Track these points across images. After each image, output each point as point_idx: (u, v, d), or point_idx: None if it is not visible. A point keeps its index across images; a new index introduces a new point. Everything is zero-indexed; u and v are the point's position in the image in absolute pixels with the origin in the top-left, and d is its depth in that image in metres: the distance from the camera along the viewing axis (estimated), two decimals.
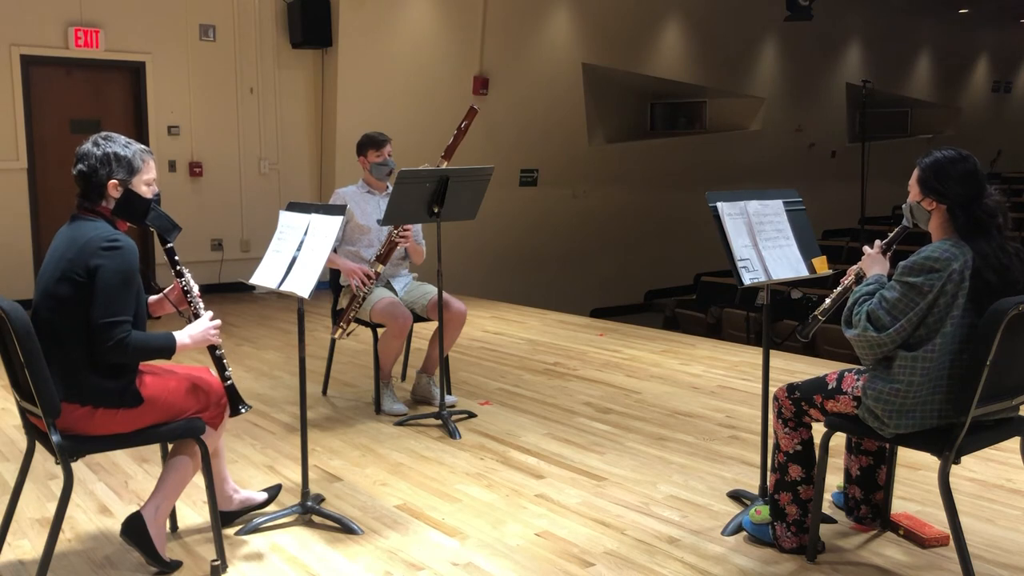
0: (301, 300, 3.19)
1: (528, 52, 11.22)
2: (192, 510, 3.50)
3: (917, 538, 3.15)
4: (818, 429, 2.99)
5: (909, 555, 3.08)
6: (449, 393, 4.95)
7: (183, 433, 2.96)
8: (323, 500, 3.60)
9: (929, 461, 3.56)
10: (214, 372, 3.12)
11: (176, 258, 3.04)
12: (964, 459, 2.89)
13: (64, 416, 2.75)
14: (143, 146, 2.99)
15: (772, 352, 3.96)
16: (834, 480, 3.48)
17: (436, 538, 3.26)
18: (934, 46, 17.22)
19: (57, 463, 2.75)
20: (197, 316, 3.03)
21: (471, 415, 4.77)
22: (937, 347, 2.71)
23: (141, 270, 2.88)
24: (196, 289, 3.08)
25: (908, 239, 3.27)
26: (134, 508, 3.27)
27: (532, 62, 11.26)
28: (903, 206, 2.99)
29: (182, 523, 3.38)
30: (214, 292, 9.17)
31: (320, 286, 3.38)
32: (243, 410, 3.05)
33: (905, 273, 2.74)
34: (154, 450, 3.93)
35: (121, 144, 2.93)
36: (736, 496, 3.59)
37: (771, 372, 3.46)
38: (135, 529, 2.94)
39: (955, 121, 17.83)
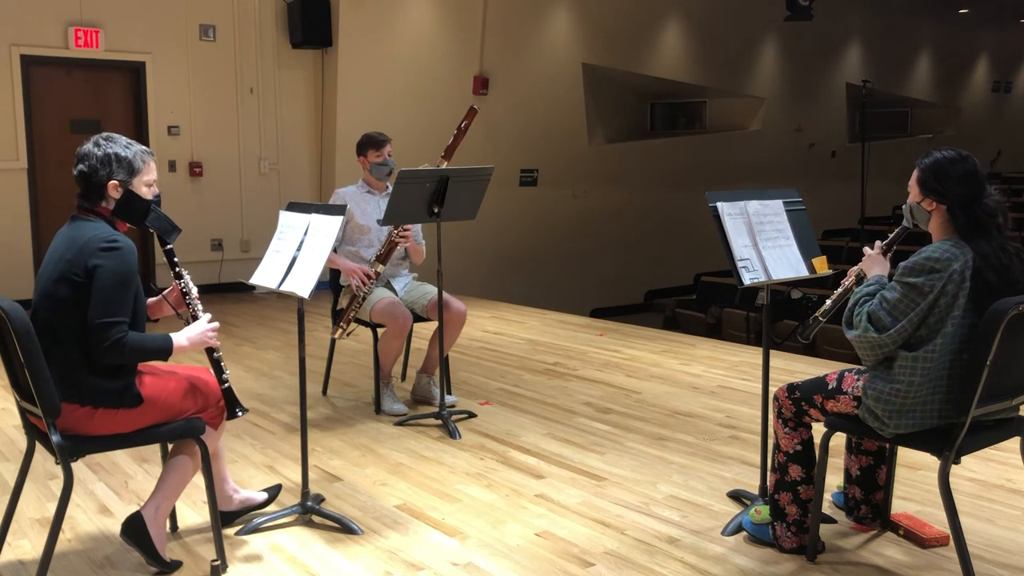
0: (301, 300, 3.19)
1: (528, 52, 11.22)
2: (192, 510, 3.51)
3: (917, 538, 3.15)
4: (818, 429, 2.99)
5: (909, 555, 3.08)
6: (449, 393, 4.95)
7: (183, 433, 2.96)
8: (323, 500, 3.60)
9: (929, 461, 3.56)
10: (224, 365, 3.11)
11: (175, 259, 3.04)
12: (964, 459, 2.89)
13: (64, 416, 2.76)
14: (144, 147, 2.99)
15: (772, 352, 3.96)
16: (834, 480, 3.48)
17: (436, 538, 3.26)
18: (934, 46, 17.23)
19: (57, 463, 2.75)
20: (195, 318, 3.03)
21: (471, 415, 4.77)
22: (938, 347, 2.71)
23: (140, 272, 2.88)
24: (195, 291, 3.08)
25: (908, 239, 3.27)
26: (134, 508, 3.27)
27: (532, 62, 11.26)
28: (903, 207, 2.99)
29: (182, 523, 3.38)
30: (214, 292, 9.17)
31: (320, 286, 3.38)
32: (240, 413, 3.04)
33: (906, 274, 2.74)
34: (154, 450, 3.93)
35: (122, 145, 2.93)
36: (736, 496, 3.59)
37: (771, 372, 3.46)
38: (135, 529, 2.94)
39: (955, 121, 17.83)
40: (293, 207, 3.43)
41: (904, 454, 3.48)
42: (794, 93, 14.68)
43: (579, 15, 11.61)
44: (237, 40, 9.44)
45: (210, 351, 3.01)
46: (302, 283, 3.16)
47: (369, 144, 4.92)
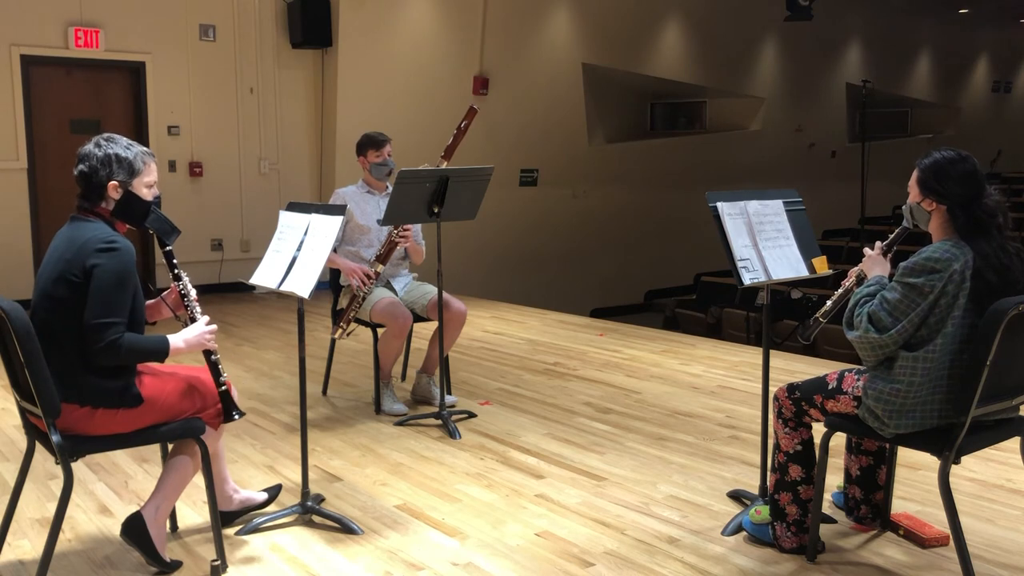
0: (301, 300, 3.19)
1: (528, 52, 11.22)
2: (192, 510, 3.51)
3: (917, 538, 3.15)
4: (818, 429, 2.99)
5: (909, 555, 3.08)
6: (449, 393, 4.95)
7: (183, 433, 2.96)
8: (323, 500, 3.60)
9: (929, 461, 3.56)
10: (222, 367, 3.11)
11: (174, 261, 3.04)
12: (964, 459, 2.89)
13: (64, 416, 2.76)
14: (145, 148, 2.99)
15: (772, 352, 3.96)
16: (834, 480, 3.48)
17: (436, 538, 3.26)
18: (934, 46, 17.23)
19: (57, 463, 2.75)
20: (193, 320, 3.02)
21: (471, 415, 4.77)
22: (938, 347, 2.71)
23: (139, 274, 2.88)
24: (193, 293, 3.07)
25: (909, 240, 3.27)
26: (134, 508, 3.27)
27: (532, 62, 11.26)
28: (903, 207, 2.99)
29: (182, 523, 3.38)
30: (214, 292, 9.17)
31: (320, 286, 3.38)
32: (236, 417, 3.02)
33: (906, 274, 2.74)
34: (154, 450, 3.93)
35: (123, 146, 2.93)
36: (736, 496, 3.59)
37: (771, 372, 3.46)
38: (135, 529, 2.94)
39: (955, 121, 17.83)
40: (293, 207, 3.43)
41: (904, 454, 3.48)
42: (794, 93, 14.69)
43: (579, 15, 11.61)
44: (237, 40, 9.44)
45: (208, 354, 3.00)
46: (302, 283, 3.16)
47: (369, 144, 4.92)
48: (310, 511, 3.37)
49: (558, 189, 11.85)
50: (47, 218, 8.49)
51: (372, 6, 9.82)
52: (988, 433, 2.86)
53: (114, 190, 2.89)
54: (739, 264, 3.15)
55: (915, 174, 2.88)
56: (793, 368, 5.67)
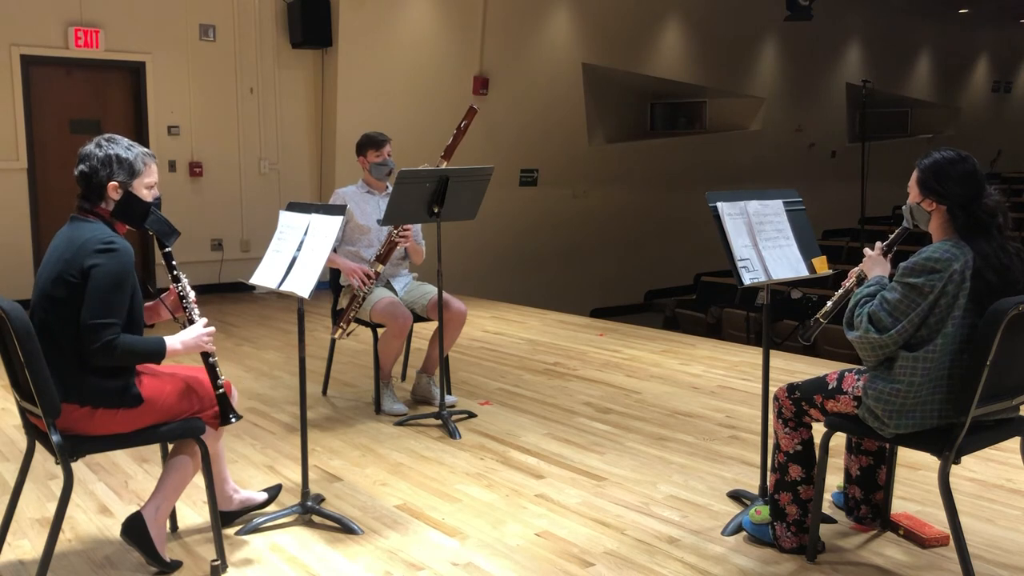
0: (301, 300, 3.19)
1: (528, 52, 11.22)
2: (192, 510, 3.51)
3: (917, 538, 3.15)
4: (818, 429, 2.99)
5: (909, 555, 3.08)
6: (449, 393, 4.95)
7: (183, 433, 2.96)
8: (323, 500, 3.60)
9: (929, 461, 3.56)
10: (219, 370, 3.11)
11: (173, 263, 3.04)
12: (964, 459, 2.89)
13: (64, 416, 2.75)
14: (146, 149, 2.99)
15: (772, 352, 3.96)
16: (834, 480, 3.48)
17: (436, 538, 3.26)
18: (934, 46, 17.23)
19: (57, 463, 2.75)
20: (191, 322, 3.02)
21: (471, 415, 4.77)
22: (938, 347, 2.71)
23: (139, 275, 2.88)
24: (192, 295, 3.06)
25: (909, 240, 3.27)
26: (134, 508, 3.27)
27: (532, 62, 11.26)
28: (903, 207, 2.99)
29: (182, 523, 3.38)
30: (214, 292, 9.17)
31: (320, 286, 3.38)
32: (233, 420, 3.00)
33: (906, 274, 2.74)
34: (154, 450, 3.93)
35: (124, 146, 2.93)
36: (736, 496, 3.59)
37: (771, 372, 3.46)
38: (135, 529, 2.94)
39: (955, 121, 17.83)
40: (293, 207, 3.43)
41: (904, 454, 3.48)
42: (794, 93, 14.69)
43: (579, 15, 11.61)
44: (237, 40, 9.44)
45: (205, 356, 2.98)
46: (302, 283, 3.16)
47: (369, 144, 4.92)
48: (310, 511, 3.37)
49: (558, 189, 11.85)
50: (47, 218, 8.49)
51: (372, 6, 9.82)
52: (988, 433, 2.86)
53: (114, 191, 2.89)
54: (739, 264, 3.15)
55: (915, 174, 2.88)
56: (793, 368, 5.67)
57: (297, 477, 3.75)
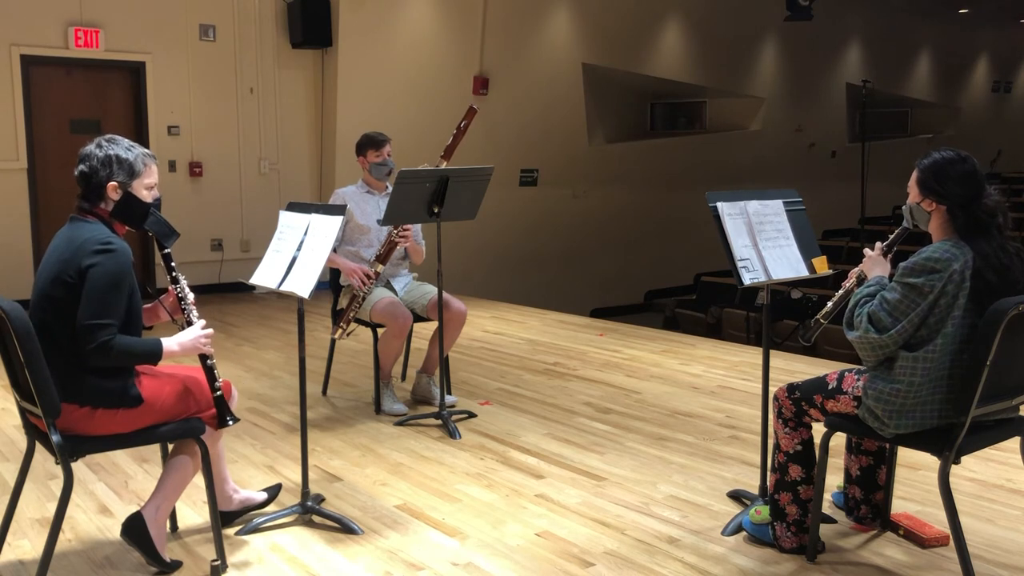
0: (301, 300, 3.19)
1: (528, 52, 11.22)
2: (192, 510, 3.51)
3: (917, 538, 3.15)
4: (818, 429, 2.99)
5: (909, 555, 3.08)
6: (449, 393, 4.95)
7: (183, 433, 2.96)
8: (323, 500, 3.60)
9: (929, 461, 3.56)
10: (217, 372, 3.11)
11: (172, 264, 3.03)
12: (964, 459, 2.89)
13: (64, 416, 2.75)
14: (147, 150, 2.99)
15: (772, 352, 3.96)
16: (834, 480, 3.48)
17: (436, 538, 3.26)
18: (934, 46, 17.23)
19: (57, 463, 2.75)
20: (190, 324, 3.01)
21: (471, 415, 4.77)
22: (938, 347, 2.71)
23: (138, 276, 2.87)
24: (191, 296, 3.06)
25: (909, 240, 3.27)
26: (134, 508, 3.27)
27: (532, 62, 11.26)
28: (903, 207, 2.99)
29: (182, 523, 3.38)
30: (214, 292, 9.17)
31: (320, 286, 3.38)
32: (230, 422, 2.99)
33: (906, 274, 2.74)
34: (154, 450, 3.93)
35: (124, 147, 2.93)
36: (736, 496, 3.59)
37: (771, 372, 3.46)
38: (135, 529, 2.94)
39: (955, 121, 17.83)
40: (293, 207, 3.43)
41: (904, 454, 3.48)
42: (794, 93, 14.69)
43: (579, 15, 11.61)
44: (237, 40, 9.44)
45: (203, 358, 2.97)
46: (302, 283, 3.16)
47: (368, 144, 4.92)
48: (310, 511, 3.37)
49: (558, 189, 11.85)
50: (47, 218, 8.49)
51: (372, 6, 9.82)
52: (988, 433, 2.86)
53: (113, 191, 2.88)
54: (739, 264, 3.15)
55: (915, 174, 2.88)
56: (793, 368, 5.67)
57: (297, 477, 3.75)
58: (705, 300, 10.09)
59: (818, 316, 3.27)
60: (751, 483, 3.68)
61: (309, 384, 4.83)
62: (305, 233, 3.28)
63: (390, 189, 4.69)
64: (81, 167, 2.89)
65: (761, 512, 3.19)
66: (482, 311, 8.09)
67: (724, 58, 13.52)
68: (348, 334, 4.79)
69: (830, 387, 2.96)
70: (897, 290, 2.74)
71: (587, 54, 11.79)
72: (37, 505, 3.59)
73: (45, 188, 8.54)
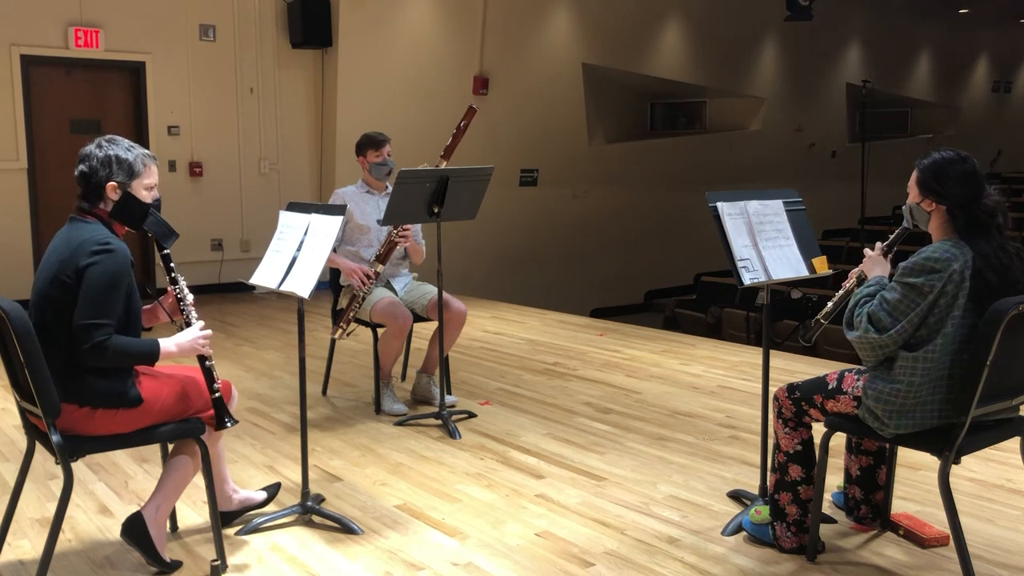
0: (301, 300, 3.19)
1: (528, 52, 11.22)
2: (192, 510, 3.51)
3: (917, 538, 3.15)
4: (818, 429, 2.99)
5: (909, 555, 3.08)
6: (449, 393, 4.95)
7: (183, 433, 2.96)
8: (323, 500, 3.60)
9: (929, 461, 3.56)
10: (216, 374, 3.11)
11: (171, 265, 3.03)
12: (964, 459, 2.89)
13: (64, 416, 2.75)
14: (147, 151, 2.99)
15: (772, 352, 3.96)
16: (834, 480, 3.48)
17: (436, 538, 3.26)
18: (934, 46, 17.23)
19: (57, 463, 2.75)
20: (188, 324, 3.01)
21: (471, 415, 4.77)
22: (938, 347, 2.71)
23: (138, 277, 2.87)
24: (190, 297, 3.05)
25: (909, 240, 3.27)
26: (134, 508, 3.27)
27: (532, 62, 11.26)
28: (903, 207, 2.99)
29: (182, 523, 3.38)
30: (214, 292, 9.17)
31: (320, 286, 3.38)
32: (229, 424, 2.98)
33: (905, 274, 2.74)
34: (154, 450, 3.93)
35: (124, 147, 2.93)
36: (736, 496, 3.59)
37: (771, 372, 3.46)
38: (135, 529, 2.94)
39: (955, 121, 17.83)
40: (293, 207, 3.43)
41: (904, 454, 3.48)
42: (794, 93, 14.69)
43: (579, 15, 11.61)
44: (237, 40, 9.44)
45: (202, 359, 2.96)
46: (302, 283, 3.16)
47: (368, 144, 4.92)
48: (310, 511, 3.37)
49: (558, 189, 11.85)
50: (47, 218, 8.49)
51: (372, 6, 9.82)
52: (988, 433, 2.86)
53: (113, 191, 2.88)
54: (739, 264, 3.15)
55: (915, 174, 2.88)
56: (793, 368, 5.67)
57: (297, 477, 3.75)
58: (705, 300, 10.09)
59: (818, 316, 3.27)
60: (751, 483, 3.68)
61: (309, 384, 4.83)
62: (305, 233, 3.28)
63: (390, 189, 4.69)
64: (81, 167, 2.89)
65: (761, 512, 3.19)
66: (482, 311, 8.10)
67: (724, 58, 13.52)
68: (348, 334, 4.79)
69: (830, 387, 2.96)
70: (897, 290, 2.74)
71: (587, 54, 11.79)
72: (37, 505, 3.59)
73: (45, 188, 8.55)
